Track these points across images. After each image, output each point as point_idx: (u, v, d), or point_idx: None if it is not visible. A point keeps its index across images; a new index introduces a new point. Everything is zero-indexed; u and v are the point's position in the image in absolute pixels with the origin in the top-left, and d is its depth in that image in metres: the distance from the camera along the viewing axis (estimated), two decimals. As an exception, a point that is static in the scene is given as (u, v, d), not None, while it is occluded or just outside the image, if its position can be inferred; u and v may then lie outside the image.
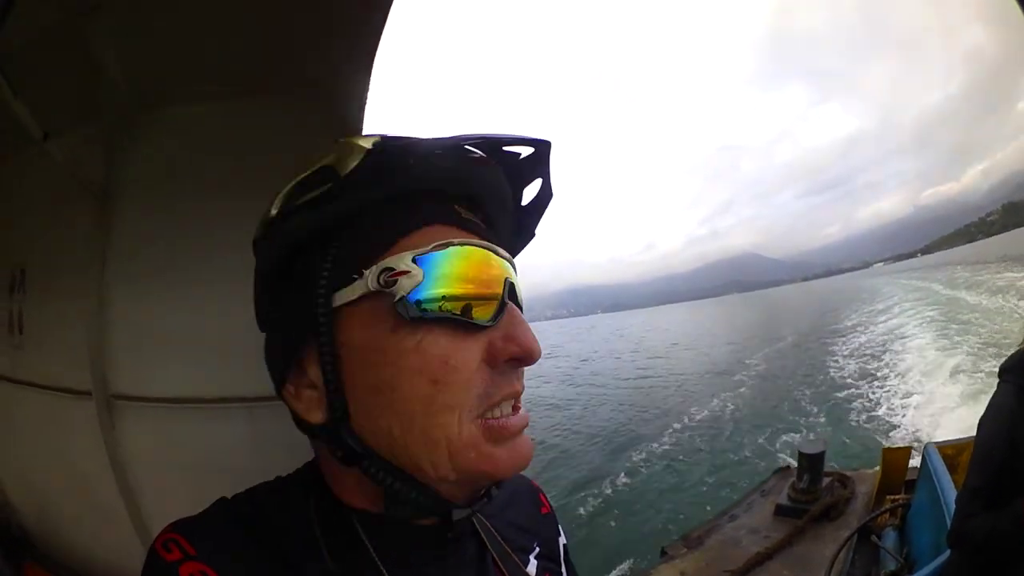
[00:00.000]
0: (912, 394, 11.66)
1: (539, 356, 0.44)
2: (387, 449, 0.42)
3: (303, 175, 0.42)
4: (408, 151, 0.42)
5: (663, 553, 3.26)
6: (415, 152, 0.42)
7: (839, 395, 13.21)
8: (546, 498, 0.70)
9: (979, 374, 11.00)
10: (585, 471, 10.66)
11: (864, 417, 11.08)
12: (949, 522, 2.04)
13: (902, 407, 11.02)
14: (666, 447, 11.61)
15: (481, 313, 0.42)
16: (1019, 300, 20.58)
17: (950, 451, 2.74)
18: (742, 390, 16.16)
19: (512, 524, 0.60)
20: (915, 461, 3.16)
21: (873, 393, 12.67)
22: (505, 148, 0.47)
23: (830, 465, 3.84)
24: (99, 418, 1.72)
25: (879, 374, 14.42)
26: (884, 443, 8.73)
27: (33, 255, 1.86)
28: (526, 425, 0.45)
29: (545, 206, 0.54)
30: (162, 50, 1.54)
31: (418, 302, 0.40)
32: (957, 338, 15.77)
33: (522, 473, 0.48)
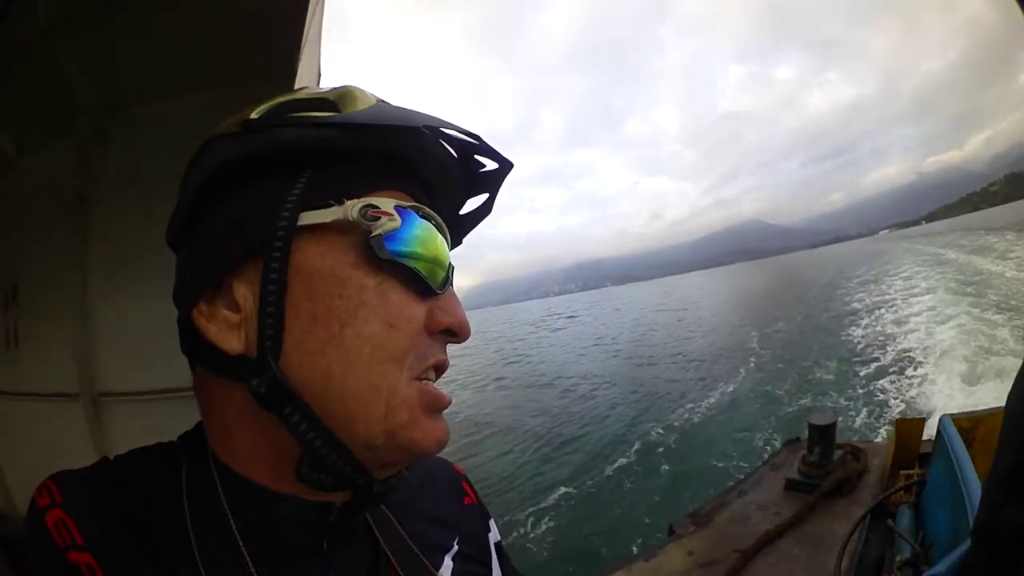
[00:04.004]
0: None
1: (469, 335, 0.45)
2: (319, 393, 0.38)
3: (292, 96, 0.42)
4: (402, 118, 0.42)
5: (671, 531, 3.26)
6: (408, 119, 0.42)
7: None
8: (471, 487, 0.62)
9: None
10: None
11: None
12: (967, 503, 1.98)
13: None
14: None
15: (433, 280, 0.43)
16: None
17: (966, 424, 2.64)
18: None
19: (423, 516, 0.54)
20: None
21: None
22: (475, 155, 0.47)
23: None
24: (86, 418, 1.84)
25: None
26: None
27: (23, 271, 1.94)
28: (449, 405, 0.44)
29: (480, 220, 0.54)
30: (124, 57, 1.60)
31: (393, 246, 0.40)
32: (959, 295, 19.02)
33: (442, 456, 0.46)
